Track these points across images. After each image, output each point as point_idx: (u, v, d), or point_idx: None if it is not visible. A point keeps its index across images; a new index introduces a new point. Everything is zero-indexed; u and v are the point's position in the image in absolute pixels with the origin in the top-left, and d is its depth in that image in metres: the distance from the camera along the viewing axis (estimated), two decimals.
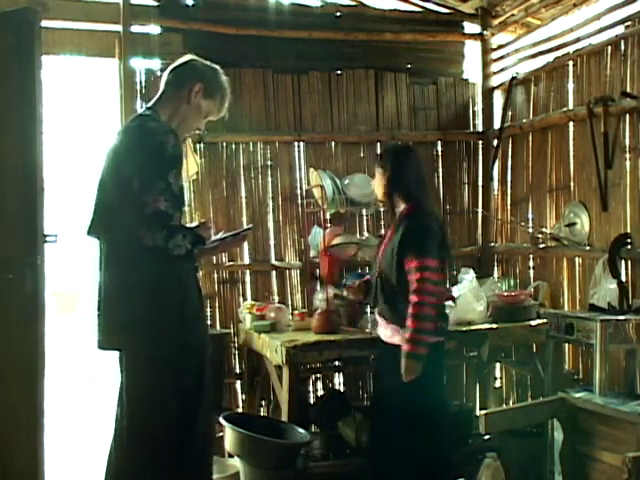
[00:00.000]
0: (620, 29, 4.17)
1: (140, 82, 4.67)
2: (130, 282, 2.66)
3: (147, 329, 2.64)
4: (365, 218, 5.05)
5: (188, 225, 2.89)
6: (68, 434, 5.39)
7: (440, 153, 5.33)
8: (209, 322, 4.78)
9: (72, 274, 12.66)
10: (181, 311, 2.67)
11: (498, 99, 5.37)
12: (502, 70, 5.31)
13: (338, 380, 5.06)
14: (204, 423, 2.76)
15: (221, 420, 3.65)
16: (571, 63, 4.58)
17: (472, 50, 5.45)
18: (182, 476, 2.71)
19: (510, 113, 5.20)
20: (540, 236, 4.71)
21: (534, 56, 4.94)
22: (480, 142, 5.40)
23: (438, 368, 3.44)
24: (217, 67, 2.94)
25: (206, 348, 2.80)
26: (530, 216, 4.99)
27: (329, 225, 4.78)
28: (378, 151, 5.00)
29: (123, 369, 2.75)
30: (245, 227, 3.58)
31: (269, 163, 4.99)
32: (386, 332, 3.48)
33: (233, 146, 4.91)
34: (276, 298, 4.94)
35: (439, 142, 5.33)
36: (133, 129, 2.76)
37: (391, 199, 3.47)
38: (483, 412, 3.36)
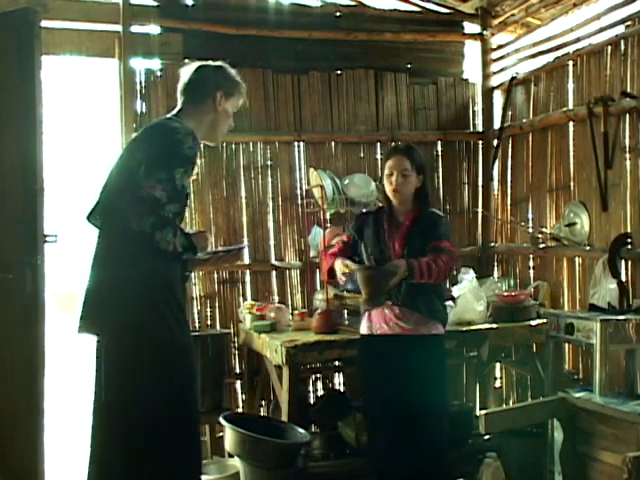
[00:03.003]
0: (620, 29, 4.17)
1: (140, 82, 4.68)
2: (119, 271, 2.65)
3: (130, 324, 2.63)
4: None
5: (187, 230, 2.88)
6: (68, 434, 5.39)
7: (440, 153, 5.34)
8: (209, 322, 4.80)
9: (72, 274, 12.66)
10: (162, 311, 2.66)
11: (498, 99, 5.38)
12: (502, 70, 5.32)
13: (338, 380, 5.06)
14: (188, 427, 2.74)
15: (221, 420, 3.65)
16: (571, 63, 4.59)
17: (472, 50, 5.46)
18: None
19: (510, 113, 5.20)
20: (540, 236, 4.71)
21: (534, 56, 4.94)
22: (480, 142, 5.40)
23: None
24: (223, 64, 2.96)
25: (188, 350, 2.78)
26: (530, 216, 4.99)
27: (329, 225, 4.78)
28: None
29: (101, 365, 2.73)
30: (240, 245, 3.55)
31: (269, 163, 4.99)
32: None
33: (233, 146, 4.91)
34: (276, 298, 4.94)
35: (439, 142, 5.33)
36: (155, 125, 2.84)
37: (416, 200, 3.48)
38: (483, 412, 3.36)
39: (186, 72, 2.91)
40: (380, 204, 3.79)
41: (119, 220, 2.64)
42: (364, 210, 3.89)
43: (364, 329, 3.51)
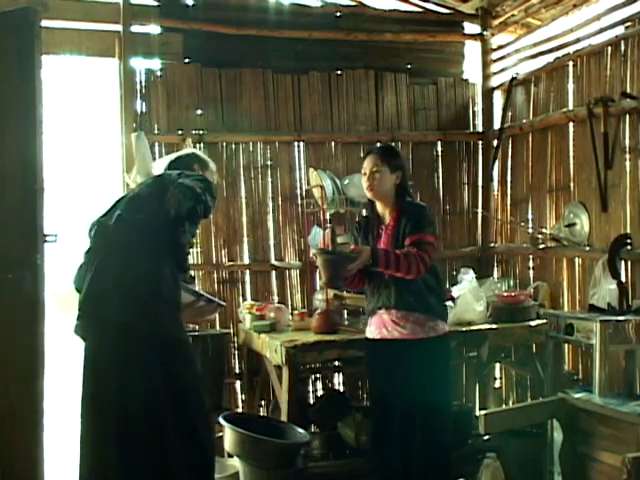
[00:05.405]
0: (620, 30, 4.18)
1: (140, 82, 4.68)
2: (122, 275, 2.76)
3: (131, 324, 2.67)
4: None
5: None
6: (68, 434, 5.39)
7: (440, 153, 5.34)
8: (208, 322, 4.79)
9: (72, 274, 12.64)
10: (163, 308, 2.68)
11: (498, 99, 5.38)
12: (502, 70, 5.32)
13: (338, 380, 5.06)
14: (192, 425, 2.75)
15: (221, 420, 3.65)
16: (571, 63, 4.59)
17: (472, 50, 5.46)
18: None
19: (510, 113, 5.20)
20: (540, 236, 4.71)
21: (534, 56, 4.94)
22: (480, 142, 5.40)
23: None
24: (194, 151, 3.45)
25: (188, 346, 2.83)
26: (530, 216, 4.99)
27: (329, 225, 4.78)
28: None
29: (97, 365, 2.75)
30: (220, 301, 3.64)
31: (269, 163, 4.99)
32: None
33: (233, 146, 4.91)
34: (276, 298, 4.95)
35: (439, 142, 5.34)
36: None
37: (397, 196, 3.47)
38: (483, 412, 3.36)
39: (162, 163, 3.29)
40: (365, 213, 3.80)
41: (128, 228, 2.77)
42: (364, 213, 3.90)
43: (368, 333, 3.52)
